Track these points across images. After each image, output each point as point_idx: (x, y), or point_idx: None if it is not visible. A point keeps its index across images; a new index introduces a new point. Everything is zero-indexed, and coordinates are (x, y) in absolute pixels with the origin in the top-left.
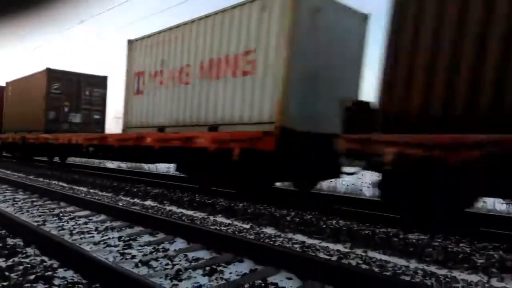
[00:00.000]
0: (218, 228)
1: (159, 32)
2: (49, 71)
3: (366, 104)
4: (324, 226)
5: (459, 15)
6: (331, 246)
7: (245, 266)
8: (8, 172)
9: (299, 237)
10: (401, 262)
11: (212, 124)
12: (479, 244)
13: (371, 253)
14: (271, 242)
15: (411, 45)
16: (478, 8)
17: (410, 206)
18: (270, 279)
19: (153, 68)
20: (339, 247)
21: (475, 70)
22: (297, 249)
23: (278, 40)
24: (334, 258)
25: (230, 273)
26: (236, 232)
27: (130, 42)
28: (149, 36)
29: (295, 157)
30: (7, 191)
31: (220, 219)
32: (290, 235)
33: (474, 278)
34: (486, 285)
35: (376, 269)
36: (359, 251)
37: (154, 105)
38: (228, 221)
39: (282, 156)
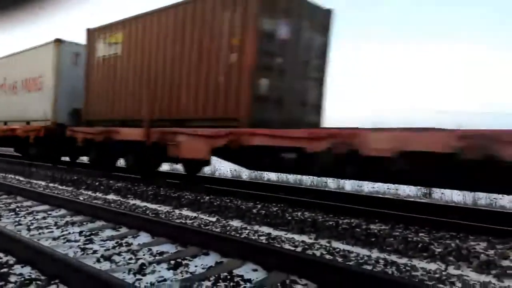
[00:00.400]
0: (183, 221)
1: None
2: None
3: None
4: (289, 218)
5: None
6: (297, 237)
7: (210, 259)
8: None
9: (265, 229)
10: (364, 252)
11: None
12: (437, 234)
13: (335, 244)
14: (237, 235)
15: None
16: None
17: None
18: (236, 271)
19: None
20: (304, 238)
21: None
22: (263, 241)
23: (52, 71)
24: (299, 249)
25: (196, 266)
26: (202, 225)
27: None
28: None
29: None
30: None
31: (185, 212)
32: (256, 227)
33: (432, 266)
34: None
35: (340, 259)
36: (323, 242)
37: None
38: (194, 214)
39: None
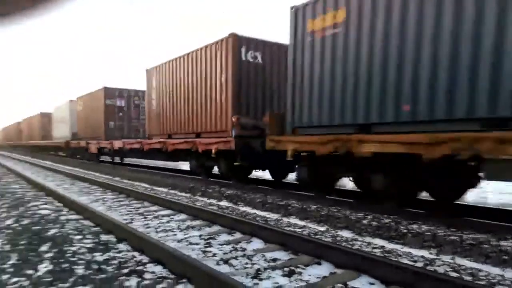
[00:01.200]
0: (292, 229)
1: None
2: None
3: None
4: (405, 230)
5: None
6: (414, 251)
7: (323, 269)
8: (97, 174)
9: (378, 242)
10: (495, 271)
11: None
12: None
13: (460, 260)
14: (349, 246)
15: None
16: None
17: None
18: (351, 284)
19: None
20: (423, 253)
21: None
22: (377, 253)
23: None
24: (419, 264)
25: (309, 275)
26: (312, 234)
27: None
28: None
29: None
30: (97, 192)
31: (293, 220)
32: (368, 239)
33: None
34: None
35: (467, 277)
36: (446, 258)
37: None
38: (302, 223)
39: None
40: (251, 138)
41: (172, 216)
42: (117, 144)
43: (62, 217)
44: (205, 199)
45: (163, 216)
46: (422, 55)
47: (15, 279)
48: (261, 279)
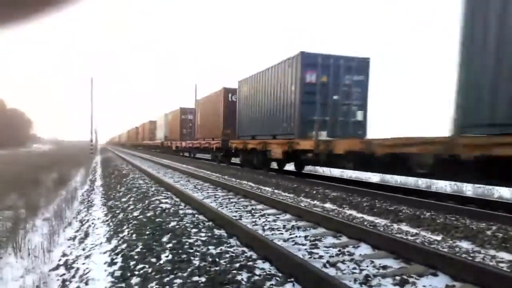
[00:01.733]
0: (404, 237)
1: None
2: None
3: None
4: None
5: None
6: None
7: (439, 281)
8: (208, 172)
9: (505, 256)
10: None
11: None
12: None
13: None
14: (470, 258)
15: None
16: None
17: None
18: None
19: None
20: None
21: None
22: (504, 268)
23: None
24: None
25: (424, 286)
26: (425, 243)
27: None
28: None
29: None
30: (209, 189)
31: (404, 227)
32: (492, 252)
33: None
34: None
35: None
36: None
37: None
38: (414, 230)
39: None
40: None
41: (278, 216)
42: (188, 144)
43: (181, 211)
44: (308, 199)
45: (269, 214)
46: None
47: (140, 266)
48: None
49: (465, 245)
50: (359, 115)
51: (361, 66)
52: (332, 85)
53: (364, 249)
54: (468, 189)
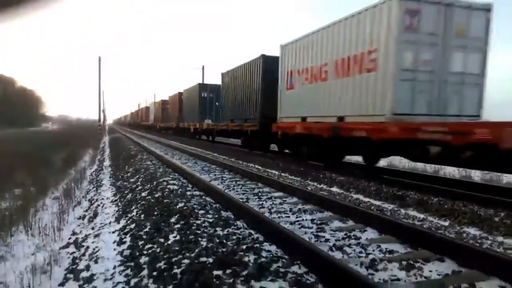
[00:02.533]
0: (411, 222)
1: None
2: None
3: None
4: None
5: None
6: None
7: (446, 267)
8: (216, 154)
9: None
10: None
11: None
12: None
13: None
14: (477, 244)
15: None
16: None
17: None
18: (479, 285)
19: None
20: None
21: None
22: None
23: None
24: None
25: (430, 271)
26: (432, 228)
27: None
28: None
29: None
30: (216, 171)
31: (411, 212)
32: (500, 239)
33: None
34: None
35: None
36: None
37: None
38: (421, 216)
39: None
40: None
41: (284, 199)
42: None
43: (188, 193)
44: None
45: (275, 197)
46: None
47: (148, 245)
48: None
49: (472, 231)
50: None
51: None
52: None
53: (371, 233)
54: (477, 175)
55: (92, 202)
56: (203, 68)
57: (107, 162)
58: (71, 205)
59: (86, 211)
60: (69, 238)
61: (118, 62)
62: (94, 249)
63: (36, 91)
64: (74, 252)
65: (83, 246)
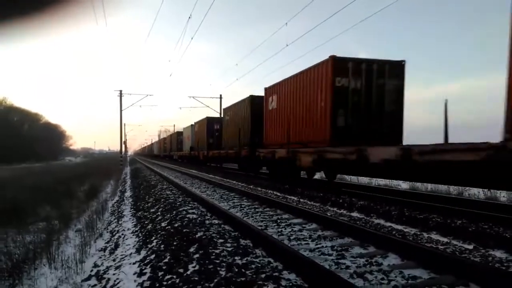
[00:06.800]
0: (434, 246)
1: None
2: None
3: None
4: None
5: None
6: None
7: None
8: (234, 182)
9: None
10: None
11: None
12: None
13: None
14: (503, 268)
15: None
16: None
17: None
18: None
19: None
20: None
21: None
22: None
23: None
24: None
25: None
26: (457, 252)
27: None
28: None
29: None
30: (235, 198)
31: (435, 236)
32: None
33: None
34: None
35: None
36: None
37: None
38: (445, 239)
39: None
40: None
41: (304, 225)
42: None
43: (207, 222)
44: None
45: (295, 224)
46: None
47: (168, 276)
48: None
49: (498, 254)
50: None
51: None
52: None
53: (393, 259)
54: (503, 195)
55: (113, 233)
56: (220, 97)
57: (128, 193)
58: (93, 237)
59: (108, 242)
60: (91, 270)
61: (138, 93)
62: (115, 281)
63: (61, 125)
64: (95, 285)
65: (104, 278)
